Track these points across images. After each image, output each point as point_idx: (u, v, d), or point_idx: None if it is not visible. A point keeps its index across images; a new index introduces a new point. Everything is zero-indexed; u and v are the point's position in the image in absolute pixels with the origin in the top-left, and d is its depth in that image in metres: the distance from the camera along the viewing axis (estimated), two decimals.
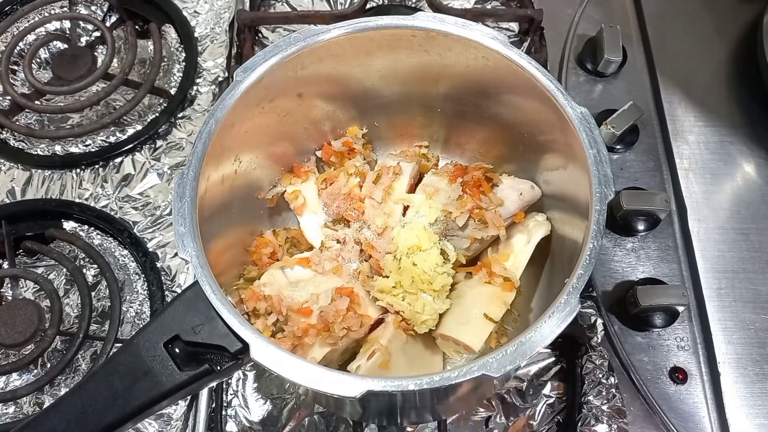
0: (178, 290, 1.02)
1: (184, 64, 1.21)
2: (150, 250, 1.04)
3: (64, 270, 1.03)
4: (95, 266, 1.03)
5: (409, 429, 0.93)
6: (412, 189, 0.90)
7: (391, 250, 0.83)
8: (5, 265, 1.04)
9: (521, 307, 0.88)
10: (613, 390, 0.91)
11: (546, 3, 1.23)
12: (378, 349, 0.79)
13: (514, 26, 1.24)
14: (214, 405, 0.94)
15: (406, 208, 0.86)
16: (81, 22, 1.24)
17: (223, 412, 0.94)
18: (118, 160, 1.13)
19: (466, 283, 0.85)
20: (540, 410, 0.94)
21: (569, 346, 0.96)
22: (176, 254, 1.03)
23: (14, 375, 0.98)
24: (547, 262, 0.90)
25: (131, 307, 1.02)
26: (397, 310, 0.81)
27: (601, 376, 0.92)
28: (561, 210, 0.85)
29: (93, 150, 1.13)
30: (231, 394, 0.95)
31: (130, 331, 1.00)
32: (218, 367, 0.67)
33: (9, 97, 1.16)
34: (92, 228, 1.07)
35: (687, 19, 1.24)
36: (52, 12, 1.24)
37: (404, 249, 0.82)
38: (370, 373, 0.78)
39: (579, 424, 0.90)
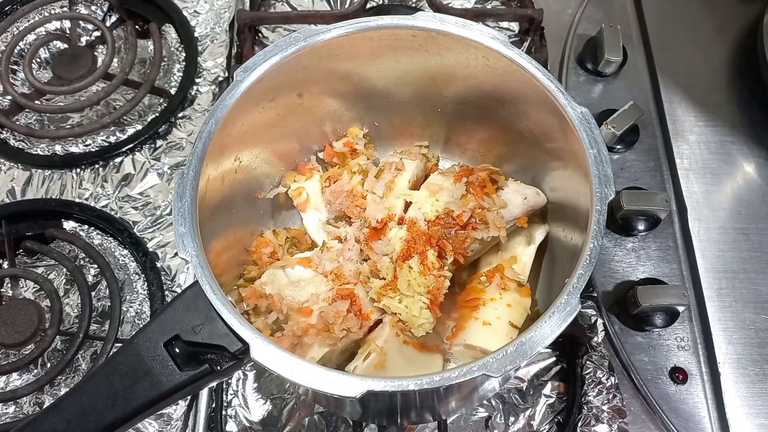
0: (178, 290, 1.02)
1: (184, 63, 1.21)
2: (150, 250, 1.04)
3: (64, 270, 1.03)
4: (95, 266, 1.03)
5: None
6: (416, 187, 0.90)
7: (388, 251, 0.83)
8: (5, 265, 1.04)
9: None
10: (614, 390, 0.92)
11: (546, 3, 1.23)
12: (374, 350, 0.79)
13: (515, 26, 1.24)
14: (214, 405, 0.94)
15: (408, 205, 0.86)
16: (81, 22, 1.24)
17: (223, 412, 0.94)
18: (118, 159, 1.13)
19: (483, 290, 0.85)
20: (540, 410, 0.94)
21: (569, 346, 0.96)
22: (176, 254, 1.03)
23: (14, 375, 0.98)
24: (548, 262, 0.90)
25: (131, 307, 1.02)
26: (394, 312, 0.81)
27: (601, 376, 0.92)
28: (561, 210, 0.85)
29: (93, 150, 1.13)
30: (231, 394, 0.95)
31: (130, 331, 1.00)
32: (218, 367, 0.67)
33: (9, 97, 1.16)
34: (92, 228, 1.07)
35: (687, 19, 1.24)
36: (52, 12, 1.24)
37: (400, 251, 0.82)
38: (366, 373, 0.77)
39: (579, 424, 0.90)
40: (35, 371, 0.98)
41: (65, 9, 1.25)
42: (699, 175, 1.10)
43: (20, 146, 1.15)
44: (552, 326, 0.63)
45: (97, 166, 1.12)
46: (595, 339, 0.93)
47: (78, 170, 1.12)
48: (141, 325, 0.87)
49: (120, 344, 0.91)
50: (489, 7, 1.27)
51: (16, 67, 1.20)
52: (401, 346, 0.82)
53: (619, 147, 1.11)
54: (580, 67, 1.20)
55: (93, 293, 1.01)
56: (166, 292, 1.02)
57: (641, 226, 1.05)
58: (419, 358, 0.84)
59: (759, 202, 1.08)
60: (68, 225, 1.07)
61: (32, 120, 1.17)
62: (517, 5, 1.25)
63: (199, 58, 1.21)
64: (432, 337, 0.83)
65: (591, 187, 0.70)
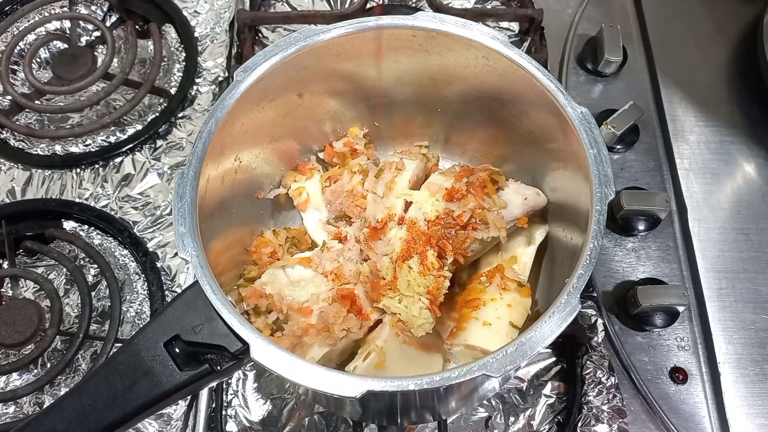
0: (178, 290, 1.02)
1: (184, 63, 1.21)
2: (150, 250, 1.04)
3: (64, 270, 1.03)
4: (95, 266, 1.03)
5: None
6: (416, 187, 0.90)
7: (388, 251, 0.83)
8: (5, 265, 1.04)
9: None
10: (614, 390, 0.91)
11: (546, 3, 1.23)
12: (374, 350, 0.79)
13: (515, 26, 1.24)
14: (214, 405, 0.94)
15: (408, 205, 0.86)
16: (81, 22, 1.24)
17: (223, 412, 0.94)
18: (118, 159, 1.13)
19: (483, 290, 0.85)
20: (540, 410, 0.94)
21: (569, 346, 0.96)
22: (176, 254, 1.03)
23: (14, 375, 0.98)
24: (548, 262, 0.90)
25: (131, 307, 1.02)
26: (393, 312, 0.81)
27: (601, 376, 0.92)
28: (561, 210, 0.85)
29: (93, 150, 1.13)
30: (231, 394, 0.95)
31: (130, 331, 1.00)
32: (218, 367, 0.67)
33: (9, 97, 1.15)
34: (92, 228, 1.07)
35: (687, 19, 1.24)
36: (52, 12, 1.24)
37: (400, 251, 0.82)
38: (366, 373, 0.78)
39: (579, 424, 0.90)
40: (35, 371, 0.98)
41: (65, 9, 1.25)
42: (699, 175, 1.10)
43: (20, 146, 1.15)
44: (552, 326, 0.63)
45: (97, 166, 1.12)
46: (595, 339, 0.93)
47: (78, 170, 1.12)
48: (141, 325, 0.87)
49: (120, 344, 0.91)
50: (489, 7, 1.27)
51: (16, 67, 1.20)
52: (401, 346, 0.82)
53: (619, 147, 1.11)
54: (580, 67, 1.20)
55: (93, 293, 1.01)
56: (166, 292, 1.02)
57: (641, 226, 1.05)
58: (419, 358, 0.84)
59: (759, 202, 1.08)
60: (68, 225, 1.07)
61: (32, 120, 1.17)
62: (517, 5, 1.25)
63: (199, 58, 1.21)
64: (432, 337, 0.83)
65: (591, 187, 0.70)
